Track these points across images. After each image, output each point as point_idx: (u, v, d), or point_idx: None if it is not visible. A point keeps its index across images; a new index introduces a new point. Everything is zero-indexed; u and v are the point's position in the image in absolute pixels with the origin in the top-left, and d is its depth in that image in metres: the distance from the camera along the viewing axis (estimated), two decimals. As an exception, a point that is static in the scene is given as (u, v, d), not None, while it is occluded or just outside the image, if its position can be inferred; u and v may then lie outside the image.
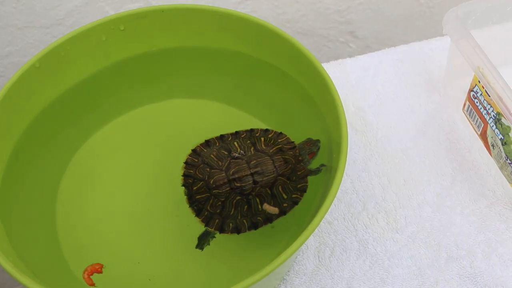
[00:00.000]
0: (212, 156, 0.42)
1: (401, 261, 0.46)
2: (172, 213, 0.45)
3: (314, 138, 0.44)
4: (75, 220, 0.45)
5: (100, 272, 0.42)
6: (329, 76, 0.41)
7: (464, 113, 0.51)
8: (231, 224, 0.42)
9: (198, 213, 0.42)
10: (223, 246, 0.44)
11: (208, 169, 0.42)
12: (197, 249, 0.43)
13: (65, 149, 0.47)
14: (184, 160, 0.42)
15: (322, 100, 0.43)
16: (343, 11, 0.77)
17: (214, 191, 0.41)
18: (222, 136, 0.44)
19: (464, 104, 0.50)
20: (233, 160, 0.42)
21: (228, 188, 0.41)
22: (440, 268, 0.46)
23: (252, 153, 0.42)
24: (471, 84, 0.47)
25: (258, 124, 0.48)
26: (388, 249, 0.47)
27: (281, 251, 0.42)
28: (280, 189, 0.42)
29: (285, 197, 0.42)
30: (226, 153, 0.43)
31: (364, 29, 0.83)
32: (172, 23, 0.46)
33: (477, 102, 0.47)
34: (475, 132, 0.50)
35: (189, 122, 0.47)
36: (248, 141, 0.43)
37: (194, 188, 0.42)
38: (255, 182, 0.41)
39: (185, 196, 0.42)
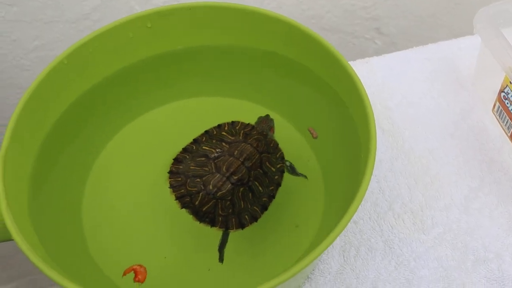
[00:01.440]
0: (192, 167, 0.42)
1: (427, 262, 0.46)
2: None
3: (342, 136, 0.44)
4: (101, 217, 0.45)
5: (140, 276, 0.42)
6: (357, 76, 0.41)
7: (494, 114, 0.50)
8: (247, 217, 0.42)
9: (213, 223, 0.41)
10: (244, 251, 0.43)
11: (198, 180, 0.42)
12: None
13: (91, 146, 0.47)
14: (168, 185, 0.42)
15: (350, 99, 0.42)
16: (369, 7, 0.76)
17: (218, 194, 0.41)
18: (195, 140, 0.44)
19: (494, 105, 0.49)
20: (217, 160, 0.42)
21: (229, 185, 0.41)
22: (467, 271, 0.45)
23: (227, 147, 0.43)
24: (501, 85, 0.46)
25: (284, 123, 0.48)
26: (414, 250, 0.46)
27: (307, 250, 0.42)
28: (267, 164, 0.43)
29: (274, 170, 0.44)
30: (204, 159, 0.43)
31: (390, 25, 0.82)
32: (199, 21, 0.46)
33: (507, 103, 0.46)
34: (504, 133, 0.49)
35: (215, 120, 0.47)
36: (214, 140, 0.43)
37: (197, 203, 0.41)
38: (248, 169, 0.42)
39: (192, 216, 0.41)
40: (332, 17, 0.77)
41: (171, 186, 0.42)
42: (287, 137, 0.48)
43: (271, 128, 0.46)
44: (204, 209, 0.41)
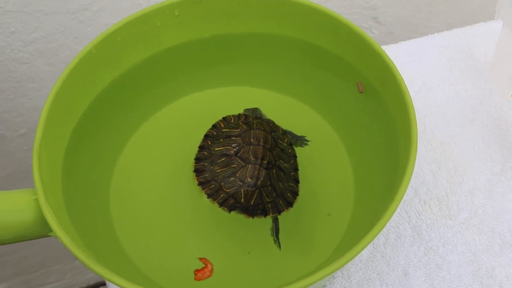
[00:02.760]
0: (219, 171, 0.42)
1: (456, 247, 0.46)
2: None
3: (376, 125, 0.44)
4: (129, 208, 0.44)
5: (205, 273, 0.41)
6: (393, 62, 0.41)
7: (514, 99, 0.51)
8: (289, 194, 0.42)
9: (265, 213, 0.41)
10: (281, 241, 0.43)
11: (232, 178, 0.41)
12: (256, 243, 0.43)
13: (118, 136, 0.46)
14: (205, 196, 0.42)
15: (384, 87, 0.42)
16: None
17: (259, 183, 0.41)
18: (202, 147, 0.44)
19: (514, 91, 0.50)
20: (239, 154, 0.42)
21: (264, 171, 0.41)
22: (495, 254, 0.46)
23: (240, 139, 0.43)
24: (525, 70, 0.47)
25: (312, 114, 0.48)
26: (442, 235, 0.47)
27: (344, 239, 0.42)
28: (279, 141, 0.44)
29: (285, 144, 0.44)
30: (224, 158, 0.42)
31: (387, 15, 0.83)
32: (226, 9, 0.45)
33: (531, 89, 0.47)
34: (525, 119, 0.50)
35: (242, 110, 0.47)
36: (221, 139, 0.43)
37: (242, 200, 0.41)
38: (269, 150, 0.42)
39: (243, 215, 0.41)
40: (331, 6, 0.77)
41: (209, 196, 0.41)
42: (314, 126, 0.48)
43: (260, 113, 0.47)
44: (252, 203, 0.41)
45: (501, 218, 0.47)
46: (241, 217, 0.42)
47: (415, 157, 0.37)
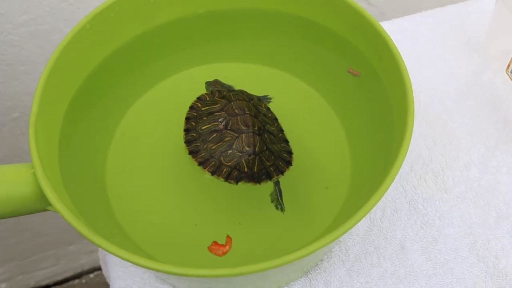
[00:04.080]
0: (214, 147, 0.42)
1: (452, 220, 0.47)
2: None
3: (371, 100, 0.44)
4: (125, 181, 0.44)
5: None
6: (389, 36, 0.41)
7: (508, 74, 0.51)
8: (285, 154, 0.43)
9: (270, 176, 0.42)
10: (278, 214, 0.43)
11: (230, 151, 0.41)
12: (256, 215, 0.43)
13: (114, 110, 0.46)
14: (209, 174, 0.41)
15: (380, 61, 0.42)
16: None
17: (257, 149, 0.41)
18: (187, 129, 0.43)
19: (508, 65, 0.50)
20: (229, 126, 0.42)
21: (258, 137, 0.42)
22: (490, 227, 0.46)
23: (224, 112, 0.42)
24: (519, 44, 0.47)
25: (307, 89, 0.48)
26: (438, 209, 0.47)
27: (341, 212, 0.43)
28: (260, 108, 0.44)
29: (264, 108, 0.45)
30: (216, 134, 0.42)
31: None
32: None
33: (525, 62, 0.47)
34: (519, 93, 0.50)
35: (238, 86, 0.47)
36: (204, 118, 0.43)
37: (246, 170, 0.41)
38: (255, 117, 0.42)
39: (250, 183, 0.41)
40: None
41: (213, 173, 0.41)
42: (309, 101, 0.48)
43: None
44: (255, 170, 0.41)
45: (496, 191, 0.48)
46: (230, 189, 0.42)
47: (412, 130, 0.37)
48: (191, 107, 0.44)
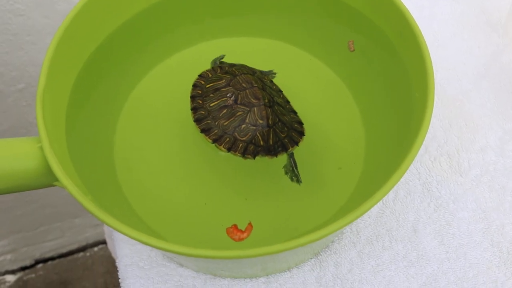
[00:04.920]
0: (226, 123, 0.40)
1: (466, 204, 0.46)
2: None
3: (389, 78, 0.43)
4: (133, 158, 0.43)
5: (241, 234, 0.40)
6: (410, 13, 0.39)
7: (529, 55, 0.49)
8: (296, 125, 0.42)
9: (286, 148, 0.41)
10: (292, 194, 0.42)
11: (243, 126, 0.40)
12: (267, 192, 0.42)
13: (122, 84, 0.45)
14: (225, 151, 0.41)
15: (400, 38, 0.41)
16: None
17: (270, 121, 0.40)
18: (195, 108, 0.42)
19: (530, 46, 0.49)
20: (239, 101, 0.41)
21: (269, 109, 0.41)
22: (505, 212, 0.45)
23: (232, 88, 0.41)
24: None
25: (322, 66, 0.46)
26: (452, 192, 0.46)
27: (354, 193, 0.42)
28: (264, 80, 0.43)
29: (269, 82, 0.44)
30: (226, 110, 0.41)
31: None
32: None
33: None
34: (539, 75, 0.49)
35: (247, 61, 0.45)
36: (211, 94, 0.42)
37: (262, 143, 0.40)
38: (263, 90, 0.41)
39: (267, 156, 0.40)
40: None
41: (229, 149, 0.40)
42: (323, 78, 0.47)
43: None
44: (271, 142, 0.40)
45: (512, 175, 0.47)
46: (239, 166, 0.42)
47: (432, 111, 0.36)
48: (194, 85, 0.42)
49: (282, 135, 0.41)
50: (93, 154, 0.42)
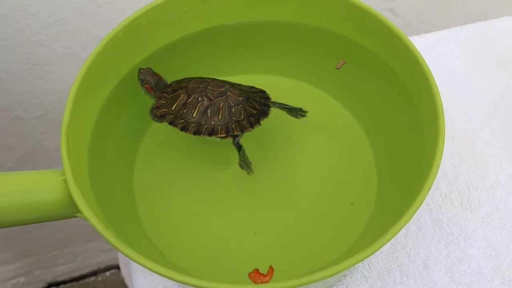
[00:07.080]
0: (219, 118, 0.43)
1: (477, 241, 0.46)
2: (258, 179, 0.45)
3: (400, 117, 0.44)
4: (153, 190, 0.44)
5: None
6: (420, 54, 0.41)
7: (539, 94, 0.50)
8: (262, 101, 0.44)
9: (267, 113, 0.44)
10: (303, 230, 0.43)
11: (234, 109, 0.43)
12: (278, 227, 0.43)
13: (143, 116, 0.46)
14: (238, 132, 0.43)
15: (411, 78, 0.42)
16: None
17: (246, 95, 0.43)
18: (172, 123, 0.44)
19: (539, 86, 0.50)
20: (215, 97, 0.43)
21: (238, 88, 0.44)
22: (515, 250, 0.46)
23: (195, 92, 0.43)
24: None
25: (334, 103, 0.48)
26: (463, 229, 0.47)
27: (366, 229, 0.42)
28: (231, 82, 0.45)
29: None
30: (210, 109, 0.43)
31: (404, 7, 0.82)
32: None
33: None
34: (549, 114, 0.50)
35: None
36: (185, 110, 0.43)
37: (254, 111, 0.43)
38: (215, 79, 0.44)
39: (248, 129, 0.43)
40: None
41: (241, 130, 0.43)
42: (335, 115, 0.48)
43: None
44: (258, 107, 0.43)
45: (522, 213, 0.47)
46: (250, 199, 0.43)
47: (442, 151, 0.37)
48: (162, 116, 0.43)
49: (258, 107, 0.43)
50: (112, 185, 0.43)
